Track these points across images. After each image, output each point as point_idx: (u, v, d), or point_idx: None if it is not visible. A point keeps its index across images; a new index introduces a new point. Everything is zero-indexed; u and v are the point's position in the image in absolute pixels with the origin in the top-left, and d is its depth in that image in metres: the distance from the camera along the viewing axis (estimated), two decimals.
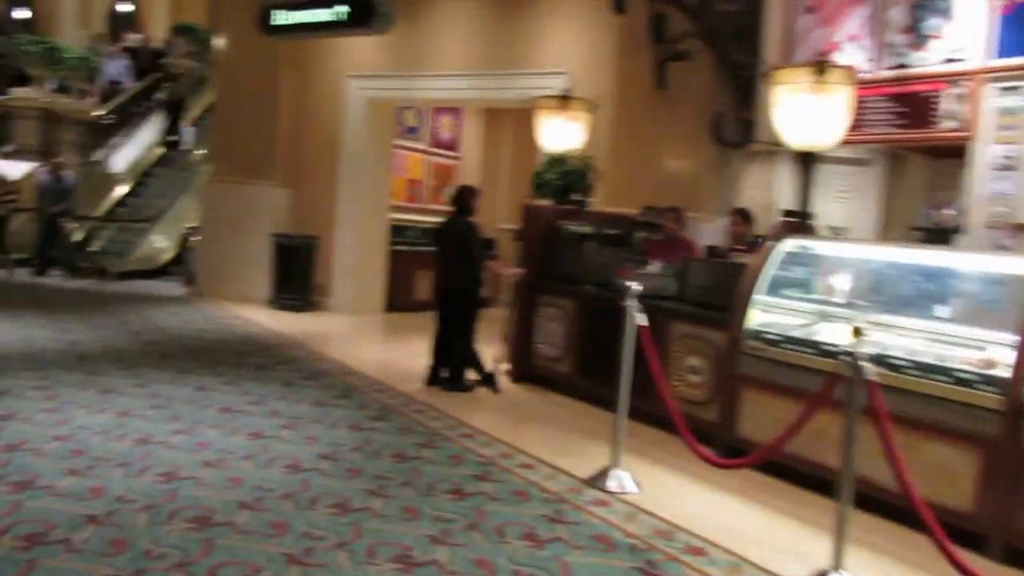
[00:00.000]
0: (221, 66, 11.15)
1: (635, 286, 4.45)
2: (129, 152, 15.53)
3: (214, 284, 10.92)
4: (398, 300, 11.00)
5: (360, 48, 10.09)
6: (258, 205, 10.63)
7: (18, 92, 14.29)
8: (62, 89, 15.05)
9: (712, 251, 6.25)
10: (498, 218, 11.91)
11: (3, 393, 5.35)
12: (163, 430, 4.84)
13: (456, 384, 6.45)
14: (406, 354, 7.92)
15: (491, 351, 6.78)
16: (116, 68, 16.37)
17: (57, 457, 4.24)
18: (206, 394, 5.76)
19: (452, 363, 6.49)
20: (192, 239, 11.80)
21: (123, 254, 13.19)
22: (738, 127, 7.11)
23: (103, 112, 15.39)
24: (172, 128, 15.83)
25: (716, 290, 5.48)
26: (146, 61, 18.20)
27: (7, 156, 13.61)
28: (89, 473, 4.04)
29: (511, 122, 12.59)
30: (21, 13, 19.87)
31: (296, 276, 10.26)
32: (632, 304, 4.43)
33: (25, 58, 14.09)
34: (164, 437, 4.71)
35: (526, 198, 7.22)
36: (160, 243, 13.50)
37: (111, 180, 14.88)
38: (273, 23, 8.94)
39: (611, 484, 4.40)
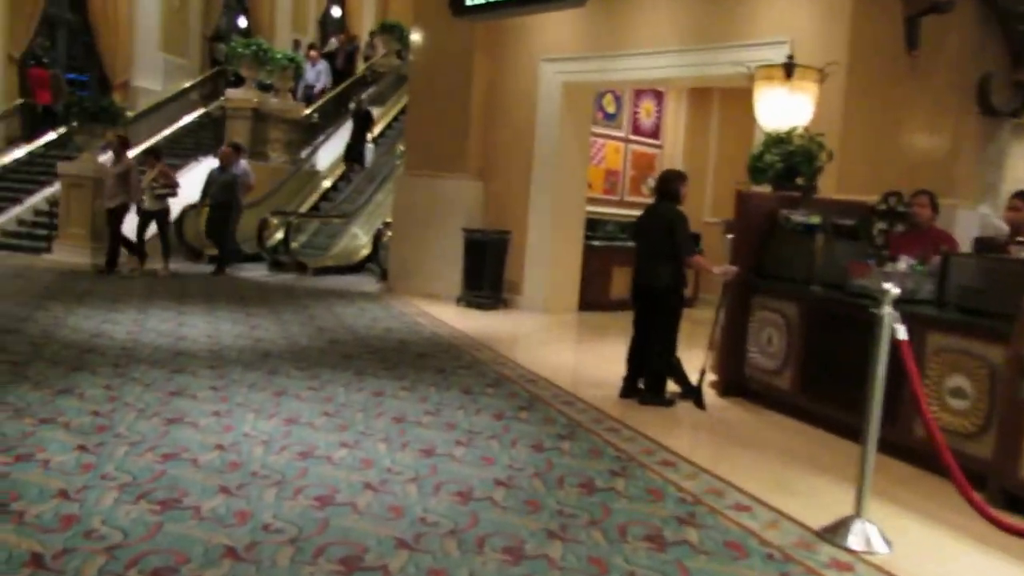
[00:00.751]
0: (417, 58, 10.93)
1: (892, 288, 3.44)
2: (331, 150, 15.89)
3: (404, 280, 10.71)
4: (593, 299, 10.34)
5: (556, 29, 9.48)
6: (449, 199, 10.30)
7: (232, 93, 14.91)
8: (263, 88, 15.56)
9: (983, 244, 5.02)
10: (703, 211, 10.91)
11: (178, 393, 5.14)
12: (329, 442, 4.38)
13: (655, 397, 5.62)
14: (599, 359, 7.20)
15: (696, 360, 5.90)
16: (312, 74, 16.78)
17: (212, 470, 3.85)
18: (381, 401, 5.29)
19: (651, 373, 5.67)
20: (384, 235, 11.69)
21: (322, 250, 13.39)
22: (1012, 92, 5.76)
23: (308, 112, 15.81)
24: (358, 143, 15.54)
25: (991, 293, 4.31)
26: (343, 63, 18.67)
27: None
28: (240, 492, 3.61)
29: (718, 104, 11.55)
30: (242, 22, 21.07)
31: (486, 273, 9.81)
32: (888, 312, 3.42)
33: (238, 60, 14.65)
34: (328, 451, 4.24)
35: (740, 185, 6.24)
36: (357, 239, 13.59)
37: (314, 177, 15.29)
38: (467, 3, 8.49)
39: (853, 540, 3.42)
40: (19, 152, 14.20)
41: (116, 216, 10.53)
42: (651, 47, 8.46)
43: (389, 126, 17.19)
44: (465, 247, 9.95)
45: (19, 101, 15.24)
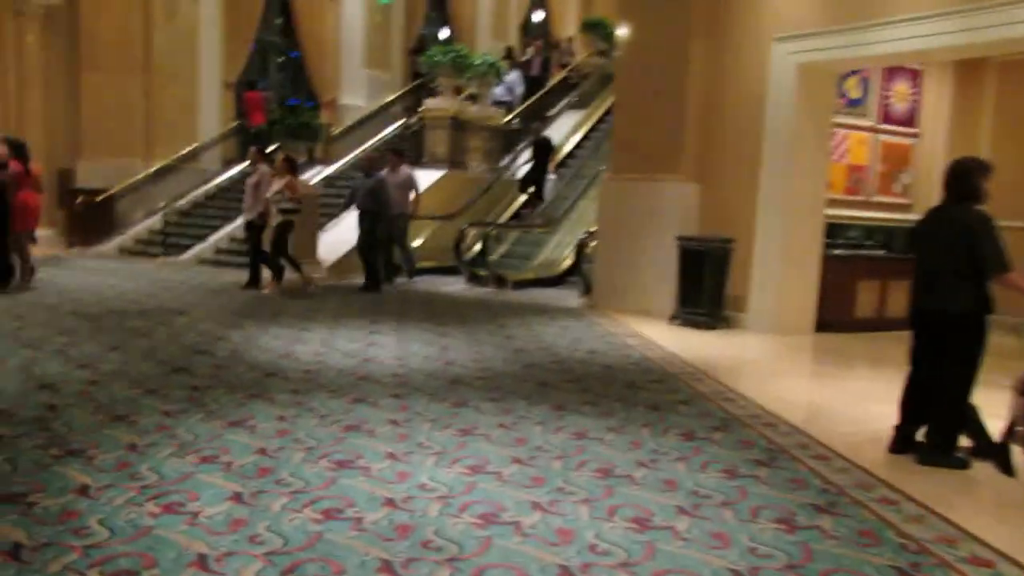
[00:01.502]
0: (625, 50, 9.99)
1: None
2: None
3: (610, 295, 9.79)
4: (832, 317, 8.97)
5: (789, 1, 8.24)
6: (662, 204, 9.28)
7: (430, 103, 14.69)
8: (470, 98, 15.24)
9: None
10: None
11: (354, 428, 4.48)
12: (519, 501, 3.52)
13: (942, 456, 4.29)
14: (852, 397, 5.92)
15: (995, 406, 4.50)
16: (501, 89, 16.19)
17: (376, 536, 3.10)
18: (583, 446, 4.37)
19: (937, 423, 4.34)
20: (588, 244, 10.81)
21: (522, 262, 12.75)
22: None
23: (508, 119, 15.33)
24: (536, 174, 14.25)
25: None
26: (539, 71, 18.17)
27: (422, 166, 13.96)
28: (406, 572, 2.82)
29: (993, 79, 9.71)
30: (443, 33, 21.13)
31: (705, 287, 8.69)
32: None
33: (436, 68, 14.40)
34: (516, 514, 3.37)
35: None
36: (559, 250, 12.84)
37: (515, 186, 14.73)
38: None
39: None
40: (232, 172, 14.72)
41: (256, 231, 10.07)
42: (912, 11, 7.00)
43: (594, 128, 16.40)
44: (680, 257, 8.88)
45: (234, 123, 15.87)
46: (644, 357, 7.00)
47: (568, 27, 23.43)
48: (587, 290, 10.58)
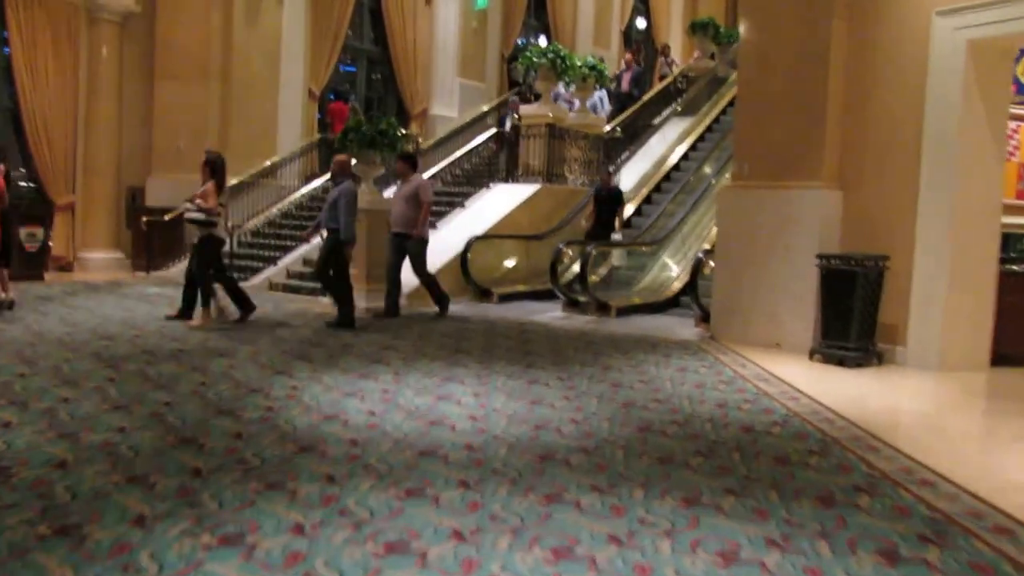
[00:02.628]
0: (750, 38, 8.47)
1: None
2: (635, 170, 13.86)
3: (732, 324, 8.29)
4: (1011, 348, 7.31)
5: None
6: (797, 215, 7.78)
7: (526, 110, 13.49)
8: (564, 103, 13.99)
9: None
10: None
11: (396, 549, 3.08)
12: None
13: None
14: None
15: None
16: (591, 101, 14.77)
17: None
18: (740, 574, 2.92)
19: None
20: (705, 264, 9.27)
21: (626, 285, 11.30)
22: None
23: (610, 127, 13.96)
24: (600, 230, 11.25)
25: None
26: (629, 86, 16.81)
27: (516, 180, 12.75)
28: None
29: None
30: (542, 41, 20.09)
31: (855, 315, 7.11)
32: None
33: (534, 68, 13.16)
34: None
35: None
36: (667, 270, 11.34)
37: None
38: None
39: None
40: (307, 188, 13.76)
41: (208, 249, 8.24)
42: None
43: (703, 136, 14.88)
44: (821, 279, 7.38)
45: (317, 136, 14.96)
46: (790, 412, 5.46)
47: (671, 36, 22.06)
48: (704, 318, 9.05)
